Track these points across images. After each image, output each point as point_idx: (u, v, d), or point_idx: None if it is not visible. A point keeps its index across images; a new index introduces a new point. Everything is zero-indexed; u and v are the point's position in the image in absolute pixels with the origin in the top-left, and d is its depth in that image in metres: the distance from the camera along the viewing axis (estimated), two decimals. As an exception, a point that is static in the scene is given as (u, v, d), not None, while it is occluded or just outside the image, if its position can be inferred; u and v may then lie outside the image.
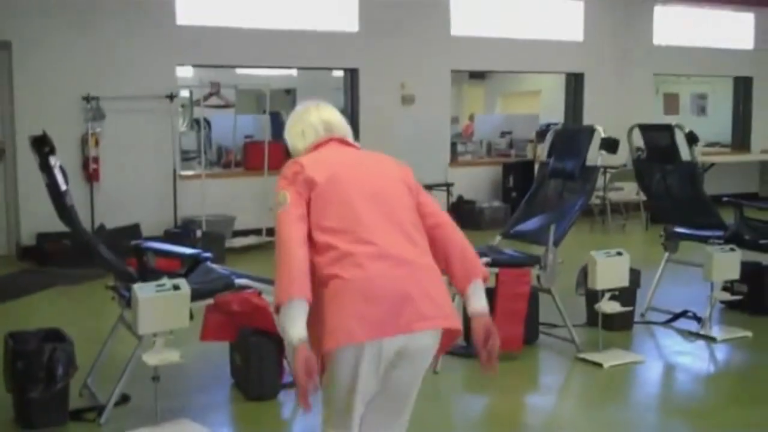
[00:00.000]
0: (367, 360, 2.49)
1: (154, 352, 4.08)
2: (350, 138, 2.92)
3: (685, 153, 6.19)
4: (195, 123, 13.09)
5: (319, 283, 2.52)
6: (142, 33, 9.25)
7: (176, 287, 4.07)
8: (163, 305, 4.03)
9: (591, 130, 5.85)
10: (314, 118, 2.88)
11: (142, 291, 4.01)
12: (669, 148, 6.10)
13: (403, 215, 2.67)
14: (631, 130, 6.52)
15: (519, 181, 11.11)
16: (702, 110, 17.57)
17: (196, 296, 4.25)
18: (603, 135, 5.63)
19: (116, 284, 4.58)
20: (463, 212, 10.93)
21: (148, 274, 4.40)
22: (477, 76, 17.59)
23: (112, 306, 4.71)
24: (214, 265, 4.80)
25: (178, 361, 4.11)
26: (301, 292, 2.44)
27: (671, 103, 17.55)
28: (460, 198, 11.12)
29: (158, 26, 9.34)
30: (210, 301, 4.48)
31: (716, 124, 15.20)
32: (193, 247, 8.25)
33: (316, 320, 2.50)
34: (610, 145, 5.56)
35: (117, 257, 4.52)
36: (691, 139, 6.02)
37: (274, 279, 2.52)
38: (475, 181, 11.48)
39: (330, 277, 2.50)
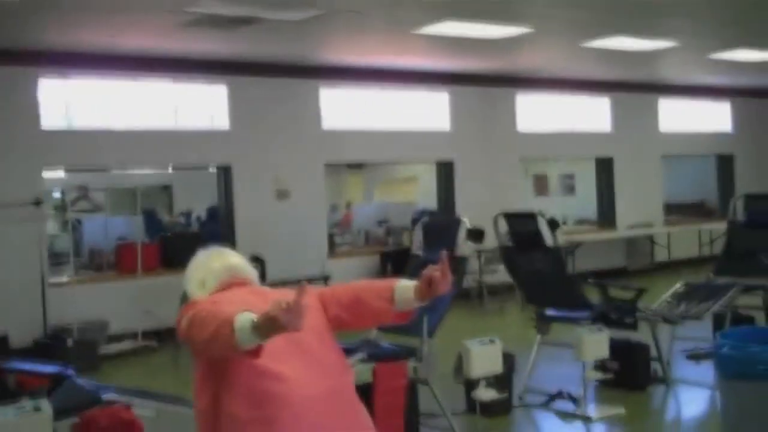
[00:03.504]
0: None
1: (16, 479, 3.88)
2: (255, 282, 2.86)
3: (549, 238, 6.41)
4: (69, 224, 12.74)
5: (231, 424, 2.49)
6: (6, 137, 9.03)
7: (37, 408, 3.90)
8: (24, 428, 3.85)
9: (457, 222, 6.00)
10: (217, 265, 2.82)
11: (1, 414, 3.82)
12: (533, 234, 6.31)
13: (313, 344, 2.65)
14: (496, 218, 6.72)
15: (397, 270, 11.17)
16: (571, 189, 18.24)
17: (60, 415, 4.08)
18: (468, 226, 5.78)
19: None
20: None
21: (8, 396, 4.20)
22: (355, 165, 17.83)
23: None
24: (81, 380, 4.63)
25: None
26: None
27: (541, 184, 18.18)
28: (340, 289, 11.11)
29: (22, 131, 9.14)
30: (75, 419, 4.30)
31: (584, 202, 15.80)
32: (64, 357, 8.05)
33: None
34: (475, 235, 5.72)
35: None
36: (553, 224, 6.26)
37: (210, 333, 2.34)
38: (354, 271, 11.50)
39: (247, 421, 2.47)
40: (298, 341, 2.59)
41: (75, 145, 9.51)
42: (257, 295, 2.73)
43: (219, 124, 10.55)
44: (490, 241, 7.05)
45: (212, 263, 2.83)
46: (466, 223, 5.83)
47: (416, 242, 6.28)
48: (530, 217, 6.38)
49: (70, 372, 4.33)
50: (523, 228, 6.37)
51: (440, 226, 6.40)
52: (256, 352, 2.32)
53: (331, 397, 2.57)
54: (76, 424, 4.32)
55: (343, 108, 11.59)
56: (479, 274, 11.24)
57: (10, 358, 4.73)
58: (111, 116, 9.85)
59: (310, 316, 2.67)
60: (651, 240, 14.49)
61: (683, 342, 7.43)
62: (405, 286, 2.64)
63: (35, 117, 9.29)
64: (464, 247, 5.89)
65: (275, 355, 2.49)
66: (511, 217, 6.57)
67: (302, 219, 10.87)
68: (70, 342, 8.41)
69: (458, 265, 5.83)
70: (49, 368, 4.48)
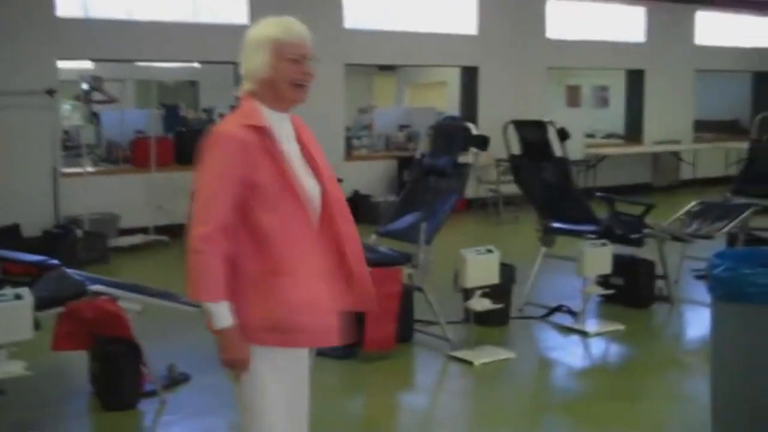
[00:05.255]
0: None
1: (-4, 364, 3.91)
2: None
3: (557, 148, 6.25)
4: (93, 116, 12.68)
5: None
6: (19, 24, 8.90)
7: (18, 297, 3.90)
8: (3, 316, 3.85)
9: (464, 128, 5.85)
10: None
11: (-19, 301, 3.83)
12: (542, 144, 6.14)
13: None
14: (506, 126, 6.55)
15: (414, 176, 11.08)
16: (604, 102, 17.86)
17: (44, 305, 4.10)
18: (474, 132, 5.63)
19: (-36, 293, 4.37)
20: (359, 206, 10.88)
21: (-8, 283, 4.21)
22: (386, 67, 17.47)
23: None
24: (70, 271, 4.63)
25: (23, 373, 3.94)
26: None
27: (573, 95, 17.81)
28: (356, 192, 11.06)
29: (36, 17, 9.00)
30: (61, 309, 4.31)
31: (617, 116, 15.41)
32: (73, 248, 8.11)
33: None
34: (480, 142, 5.56)
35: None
36: (563, 135, 6.07)
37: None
38: (372, 176, 11.44)
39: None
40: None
41: (91, 34, 9.36)
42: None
43: (238, 19, 10.33)
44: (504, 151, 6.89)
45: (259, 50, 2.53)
46: (472, 129, 5.68)
47: (420, 147, 6.15)
48: (539, 126, 6.20)
49: (55, 262, 4.31)
50: (531, 136, 6.20)
51: (447, 131, 6.24)
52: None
53: None
54: (61, 314, 4.34)
55: (366, 7, 11.29)
56: (496, 184, 11.10)
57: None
58: (129, 7, 9.68)
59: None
60: (677, 157, 14.20)
61: (695, 262, 7.32)
62: None
63: (49, 3, 9.13)
64: (470, 153, 5.75)
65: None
66: (520, 125, 6.39)
67: (319, 119, 10.64)
68: (79, 233, 8.45)
69: (461, 171, 5.72)
70: (33, 257, 4.46)
